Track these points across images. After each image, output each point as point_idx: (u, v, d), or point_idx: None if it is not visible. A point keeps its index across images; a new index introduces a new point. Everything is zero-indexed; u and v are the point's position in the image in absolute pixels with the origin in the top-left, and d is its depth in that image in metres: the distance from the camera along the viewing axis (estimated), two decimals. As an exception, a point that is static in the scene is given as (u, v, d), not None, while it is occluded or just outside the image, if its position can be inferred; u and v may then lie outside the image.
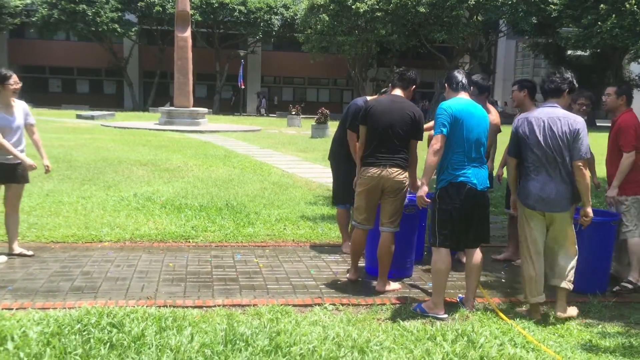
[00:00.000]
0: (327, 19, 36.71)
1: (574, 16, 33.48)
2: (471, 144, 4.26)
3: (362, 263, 5.57)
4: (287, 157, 14.79)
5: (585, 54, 38.78)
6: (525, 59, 51.85)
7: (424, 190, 4.31)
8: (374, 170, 4.70)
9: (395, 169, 4.68)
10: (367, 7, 35.48)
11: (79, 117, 28.13)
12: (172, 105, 26.74)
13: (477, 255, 4.45)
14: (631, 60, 33.45)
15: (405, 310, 4.38)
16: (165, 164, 11.83)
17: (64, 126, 22.38)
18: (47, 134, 17.69)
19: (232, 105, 45.60)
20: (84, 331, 3.52)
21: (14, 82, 5.16)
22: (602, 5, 31.56)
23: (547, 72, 4.48)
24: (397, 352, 3.48)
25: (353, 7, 35.71)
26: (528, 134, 4.25)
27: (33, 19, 40.11)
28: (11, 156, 5.20)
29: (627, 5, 30.61)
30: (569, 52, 39.53)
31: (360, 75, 42.29)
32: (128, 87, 44.92)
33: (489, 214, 4.56)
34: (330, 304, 4.46)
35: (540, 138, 4.19)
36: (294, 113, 30.61)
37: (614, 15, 31.00)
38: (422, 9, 35.28)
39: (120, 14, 40.38)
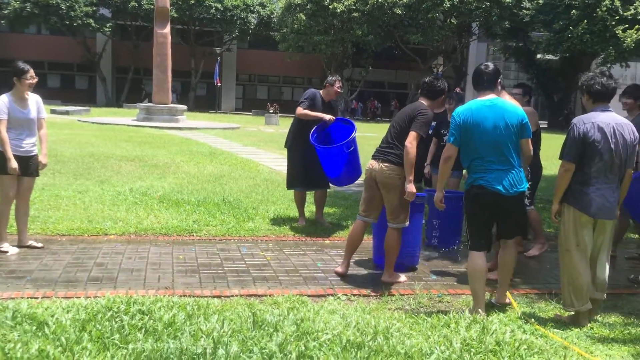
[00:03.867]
0: (304, 18, 36.85)
1: (545, 21, 34.30)
2: (489, 148, 4.18)
3: (362, 256, 5.79)
4: (271, 155, 14.91)
5: (555, 58, 39.69)
6: (496, 62, 52.74)
7: (437, 196, 4.51)
8: (370, 162, 5.01)
9: (387, 164, 4.88)
10: (344, 7, 35.74)
11: (53, 112, 27.71)
12: (150, 101, 26.57)
13: (509, 250, 4.43)
14: (600, 65, 34.37)
15: (414, 300, 4.59)
16: (153, 160, 11.86)
17: (40, 121, 22.05)
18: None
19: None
20: (116, 318, 3.64)
21: (31, 76, 5.21)
22: (573, 11, 32.42)
23: (592, 75, 4.18)
24: (417, 338, 3.68)
25: (330, 7, 35.92)
26: (600, 139, 4.02)
27: (5, 12, 39.29)
28: (30, 148, 5.29)
29: (598, 12, 31.51)
30: (539, 55, 40.43)
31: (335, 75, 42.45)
32: (101, 82, 44.33)
33: (522, 212, 4.44)
34: (343, 295, 4.65)
35: (612, 145, 4.03)
36: (271, 111, 30.72)
37: (585, 21, 31.87)
38: (398, 11, 35.68)
39: (94, 9, 39.84)
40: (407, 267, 5.46)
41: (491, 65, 4.43)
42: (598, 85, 4.12)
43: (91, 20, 39.36)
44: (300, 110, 6.67)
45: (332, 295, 4.63)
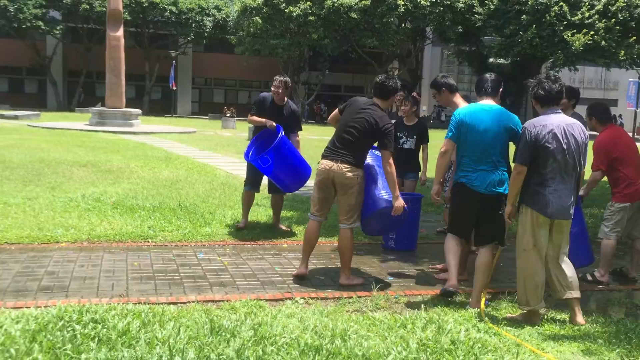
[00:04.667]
0: (260, 22, 36.79)
1: (497, 26, 35.13)
2: (479, 149, 4.52)
3: (319, 259, 5.80)
4: (228, 159, 14.81)
5: (507, 62, 40.67)
6: (450, 65, 53.69)
7: (434, 189, 4.83)
8: (325, 163, 4.97)
9: (346, 166, 4.90)
10: (300, 11, 35.81)
11: (1, 116, 26.86)
12: (103, 105, 26.03)
13: (484, 255, 4.62)
14: (549, 69, 35.42)
15: (372, 302, 4.63)
16: (106, 165, 11.62)
17: (-13, 126, 21.36)
18: (-28, 134, 16.90)
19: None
20: (68, 327, 3.55)
21: None
22: (523, 17, 33.31)
23: (538, 79, 4.36)
24: (374, 339, 3.71)
25: (286, 10, 35.95)
26: (552, 140, 4.15)
27: (-52, 13, 37.93)
28: None
29: (547, 17, 32.47)
30: (491, 59, 41.36)
31: (292, 78, 42.50)
32: (52, 86, 43.21)
33: (498, 215, 4.57)
34: (301, 298, 4.65)
35: (564, 145, 4.15)
36: (228, 115, 30.51)
37: (534, 26, 32.81)
38: (353, 15, 35.96)
39: (44, 11, 38.87)
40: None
41: (494, 75, 4.85)
42: (542, 90, 4.29)
43: (41, 23, 38.40)
44: (248, 116, 6.86)
45: (290, 299, 4.62)
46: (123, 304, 4.12)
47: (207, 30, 42.29)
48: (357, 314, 4.36)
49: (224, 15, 42.42)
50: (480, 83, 4.80)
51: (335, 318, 4.13)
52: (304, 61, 42.87)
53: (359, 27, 38.03)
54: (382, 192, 5.10)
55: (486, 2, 35.01)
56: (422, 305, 4.52)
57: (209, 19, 41.91)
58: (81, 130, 21.44)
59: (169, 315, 3.96)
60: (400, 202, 4.93)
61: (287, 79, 6.77)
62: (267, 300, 4.56)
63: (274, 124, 6.47)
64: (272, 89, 6.67)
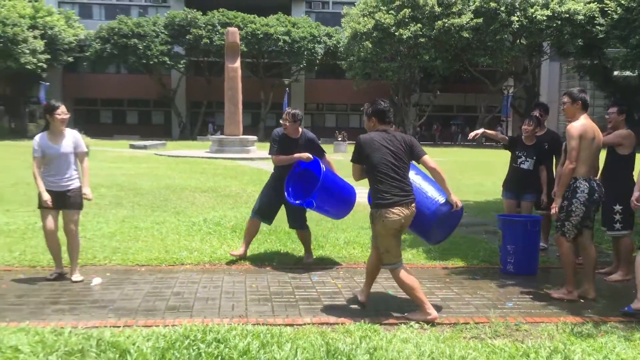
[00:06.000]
0: (370, 46, 37.17)
1: (621, 36, 33.01)
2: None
3: (434, 283, 5.68)
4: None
5: (633, 74, 38.08)
6: (570, 81, 51.08)
7: (634, 195, 5.17)
8: (397, 210, 4.60)
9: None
10: (411, 33, 35.81)
11: (132, 146, 29.05)
12: (222, 133, 27.39)
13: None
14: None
15: (490, 329, 4.46)
16: (225, 191, 12.17)
17: (120, 155, 23.17)
18: (107, 163, 18.41)
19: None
20: (193, 346, 3.74)
21: (62, 112, 5.46)
22: (650, 25, 31.10)
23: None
24: (494, 368, 3.57)
25: (396, 33, 36.09)
26: None
27: (86, 54, 41.84)
28: (64, 183, 5.46)
29: (677, 24, 30.12)
30: (616, 72, 38.90)
31: (403, 100, 42.50)
32: (176, 117, 46.18)
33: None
34: (415, 323, 4.58)
35: None
36: (339, 139, 30.94)
37: (663, 35, 30.50)
38: (465, 34, 35.41)
39: (169, 47, 41.79)
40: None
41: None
42: None
43: (166, 58, 41.32)
44: (273, 158, 6.34)
45: (404, 323, 4.57)
46: (243, 324, 4.28)
47: (319, 57, 43.35)
48: (474, 340, 4.22)
49: (335, 42, 43.31)
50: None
51: (452, 344, 4.03)
52: (415, 83, 42.64)
53: (470, 46, 37.38)
54: (437, 197, 4.92)
55: (608, 12, 33.08)
56: (546, 333, 4.30)
57: (320, 46, 42.97)
58: (202, 157, 22.68)
59: (286, 336, 4.05)
60: (455, 197, 4.86)
61: (296, 111, 6.26)
62: (381, 324, 4.53)
63: (309, 155, 6.08)
64: (281, 121, 6.36)
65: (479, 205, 10.77)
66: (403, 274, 4.69)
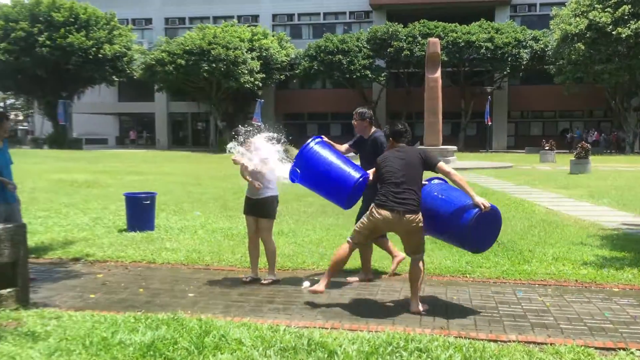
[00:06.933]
0: (582, 47, 34.53)
1: None
2: None
3: (664, 309, 5.12)
4: (547, 194, 14.14)
5: None
6: None
7: None
8: (386, 212, 5.02)
9: (409, 215, 4.97)
10: (631, 31, 32.53)
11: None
12: (421, 144, 27.47)
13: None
14: None
15: None
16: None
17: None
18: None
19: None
20: (396, 353, 3.84)
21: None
22: None
23: None
24: None
25: (614, 32, 33.06)
26: None
27: (296, 72, 44.95)
28: (259, 192, 5.86)
29: None
30: None
31: (621, 105, 38.72)
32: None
33: None
34: (637, 350, 4.17)
35: None
36: (547, 148, 29.19)
37: None
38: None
39: (371, 61, 43.10)
40: None
41: None
42: None
43: (368, 72, 42.65)
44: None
45: (623, 349, 4.19)
46: (444, 336, 4.28)
47: (524, 62, 41.36)
48: None
49: (542, 46, 40.98)
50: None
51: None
52: (636, 86, 38.55)
53: None
54: (466, 202, 5.04)
55: None
56: None
57: (526, 50, 40.97)
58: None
59: (489, 352, 3.96)
60: (480, 198, 5.05)
61: (364, 109, 6.16)
62: (596, 348, 4.21)
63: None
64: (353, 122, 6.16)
65: None
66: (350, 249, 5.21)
